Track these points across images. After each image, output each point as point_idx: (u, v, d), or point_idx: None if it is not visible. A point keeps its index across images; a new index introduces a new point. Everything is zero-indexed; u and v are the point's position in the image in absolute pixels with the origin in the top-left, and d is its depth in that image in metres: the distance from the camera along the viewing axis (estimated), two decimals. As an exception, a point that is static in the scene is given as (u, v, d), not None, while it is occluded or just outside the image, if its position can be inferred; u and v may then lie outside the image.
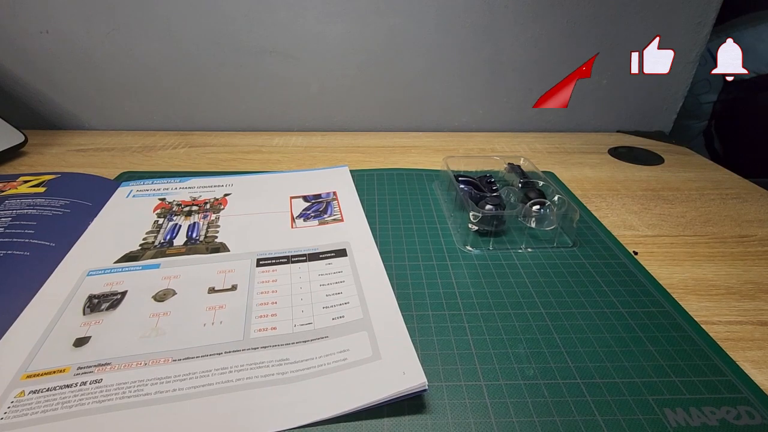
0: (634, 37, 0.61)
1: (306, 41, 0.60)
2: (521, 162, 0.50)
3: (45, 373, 0.26)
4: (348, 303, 0.32)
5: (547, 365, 0.28)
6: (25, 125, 0.57)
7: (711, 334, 0.30)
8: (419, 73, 0.63)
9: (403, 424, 0.25)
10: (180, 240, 0.39)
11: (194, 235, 0.40)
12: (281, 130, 0.66)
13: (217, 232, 0.40)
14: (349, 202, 0.45)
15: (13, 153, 0.54)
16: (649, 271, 0.37)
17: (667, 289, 0.35)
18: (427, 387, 0.25)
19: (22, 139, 0.55)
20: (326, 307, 0.32)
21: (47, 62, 0.59)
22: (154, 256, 0.36)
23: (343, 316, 0.31)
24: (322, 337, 0.29)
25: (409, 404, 0.25)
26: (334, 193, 0.47)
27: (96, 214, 0.42)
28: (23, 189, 0.43)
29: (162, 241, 0.39)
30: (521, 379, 0.27)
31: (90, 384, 0.26)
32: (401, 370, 0.26)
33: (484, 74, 0.63)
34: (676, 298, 0.34)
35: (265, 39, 0.59)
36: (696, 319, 0.32)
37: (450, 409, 0.25)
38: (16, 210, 0.40)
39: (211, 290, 0.33)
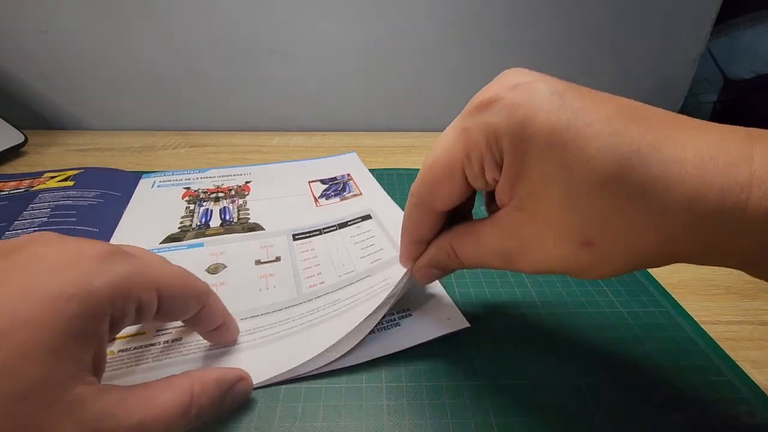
0: (634, 37, 0.61)
1: (306, 41, 0.60)
2: None
3: (127, 336, 0.29)
4: (382, 249, 0.36)
5: (546, 365, 0.28)
6: (25, 125, 0.57)
7: (711, 334, 0.30)
8: (419, 73, 0.63)
9: (403, 424, 0.25)
10: (215, 222, 0.40)
11: (227, 217, 0.41)
12: (281, 130, 0.66)
13: (248, 214, 0.42)
14: (365, 179, 0.48)
15: (13, 153, 0.54)
16: (649, 271, 0.37)
17: (667, 289, 0.35)
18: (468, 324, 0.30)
19: (22, 139, 0.55)
20: (363, 257, 0.36)
21: (47, 62, 0.59)
22: (195, 237, 0.38)
23: (380, 259, 0.35)
24: (366, 276, 0.33)
25: (409, 404, 0.26)
26: (348, 174, 0.49)
27: (126, 203, 0.43)
28: (52, 183, 0.45)
29: (198, 223, 0.40)
30: (521, 380, 0.27)
31: (173, 342, 0.28)
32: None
33: (484, 74, 0.63)
34: (676, 298, 0.34)
35: (265, 39, 0.59)
36: (696, 319, 0.32)
37: (450, 409, 0.25)
38: (53, 202, 0.41)
39: (258, 262, 0.36)
